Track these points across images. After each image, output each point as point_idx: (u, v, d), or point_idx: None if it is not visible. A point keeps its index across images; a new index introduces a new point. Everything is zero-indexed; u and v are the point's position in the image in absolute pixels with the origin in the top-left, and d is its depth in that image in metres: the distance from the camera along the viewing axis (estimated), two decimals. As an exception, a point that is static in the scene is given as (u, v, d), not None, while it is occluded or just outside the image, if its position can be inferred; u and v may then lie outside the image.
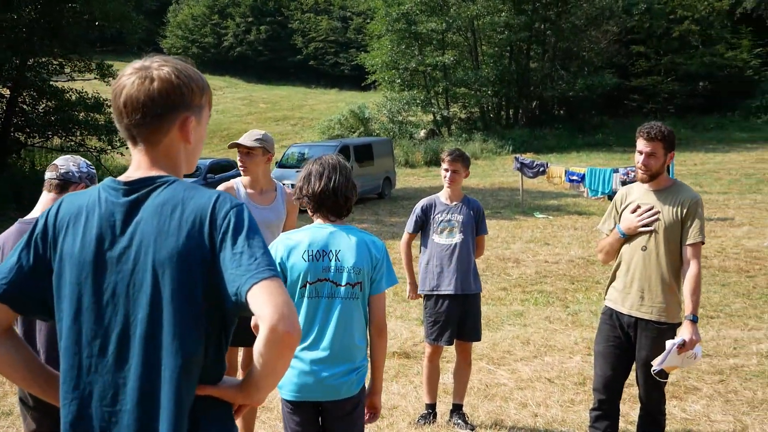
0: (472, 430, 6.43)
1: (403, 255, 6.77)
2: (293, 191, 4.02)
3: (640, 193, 5.06)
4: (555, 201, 24.50)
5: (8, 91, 28.54)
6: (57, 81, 29.50)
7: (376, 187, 26.47)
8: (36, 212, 4.25)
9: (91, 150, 29.45)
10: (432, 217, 6.56)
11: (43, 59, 29.07)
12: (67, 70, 30.03)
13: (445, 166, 6.49)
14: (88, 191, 2.35)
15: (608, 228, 5.17)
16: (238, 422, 5.60)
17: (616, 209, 5.16)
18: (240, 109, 56.85)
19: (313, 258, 3.78)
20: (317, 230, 3.87)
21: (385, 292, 3.90)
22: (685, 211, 4.86)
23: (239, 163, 5.57)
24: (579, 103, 48.98)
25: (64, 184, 4.27)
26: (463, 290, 6.46)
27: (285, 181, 20.84)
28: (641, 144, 4.95)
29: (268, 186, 5.61)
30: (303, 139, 44.52)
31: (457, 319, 6.49)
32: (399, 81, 46.48)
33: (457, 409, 6.63)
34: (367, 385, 4.01)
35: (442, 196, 6.62)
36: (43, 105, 29.43)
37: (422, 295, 6.68)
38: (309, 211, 3.94)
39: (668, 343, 4.77)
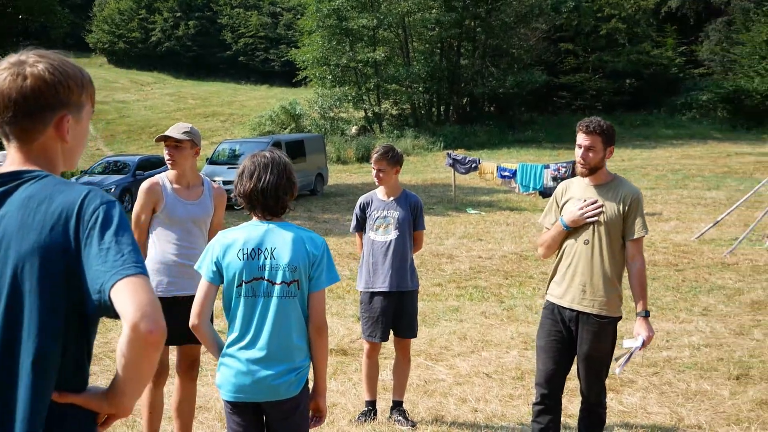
0: (413, 426, 6.40)
1: (360, 253, 6.72)
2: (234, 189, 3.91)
3: (580, 188, 5.07)
4: (487, 197, 24.66)
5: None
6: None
7: (308, 183, 26.30)
8: None
9: None
10: (369, 213, 6.51)
11: (-36, 53, 28.30)
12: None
13: (372, 164, 6.46)
14: None
15: (550, 222, 5.16)
16: (175, 422, 5.52)
17: (556, 203, 5.16)
18: (168, 105, 56.08)
19: (247, 256, 3.70)
20: (252, 228, 3.78)
21: (324, 290, 3.79)
22: (627, 206, 4.89)
23: (167, 157, 5.42)
24: (509, 100, 49.48)
25: None
26: (398, 287, 6.42)
27: (216, 178, 20.63)
28: (580, 138, 4.96)
29: (195, 181, 5.50)
30: (233, 136, 44.07)
31: (391, 315, 6.46)
32: (330, 77, 46.31)
33: (397, 406, 6.59)
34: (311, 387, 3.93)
35: (380, 193, 6.57)
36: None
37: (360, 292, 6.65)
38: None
39: (626, 344, 4.82)
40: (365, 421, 6.49)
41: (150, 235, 5.39)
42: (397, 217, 6.43)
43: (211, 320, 4.97)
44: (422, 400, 7.03)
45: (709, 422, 6.37)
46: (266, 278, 3.70)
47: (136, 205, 5.39)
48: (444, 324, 9.77)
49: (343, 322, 9.89)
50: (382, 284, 6.41)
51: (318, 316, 3.76)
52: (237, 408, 3.80)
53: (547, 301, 5.17)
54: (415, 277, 6.62)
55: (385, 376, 7.42)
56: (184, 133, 5.37)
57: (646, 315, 4.84)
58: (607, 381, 5.20)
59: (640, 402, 6.87)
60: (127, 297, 1.99)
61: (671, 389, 7.22)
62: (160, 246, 5.34)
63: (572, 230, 4.98)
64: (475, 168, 22.69)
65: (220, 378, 3.81)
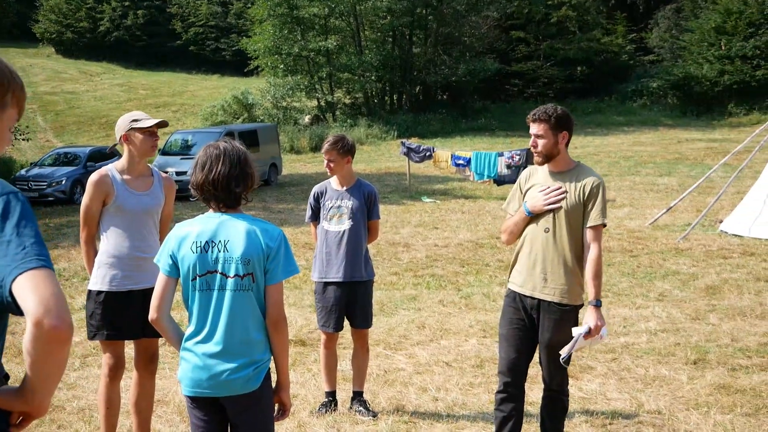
0: (375, 416, 6.35)
1: (316, 243, 6.64)
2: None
3: (544, 175, 5.03)
4: (442, 185, 24.67)
5: None
6: None
7: (262, 173, 26.04)
8: None
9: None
10: (322, 203, 6.44)
11: None
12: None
13: (324, 155, 6.39)
14: None
15: (513, 209, 5.12)
16: (133, 417, 5.41)
17: (520, 189, 5.12)
18: (119, 96, 55.30)
19: (201, 249, 3.63)
20: (206, 220, 3.70)
21: (281, 282, 3.70)
22: (587, 193, 4.86)
23: (151, 145, 5.30)
24: (462, 88, 49.56)
25: None
26: (351, 277, 6.37)
27: (168, 169, 20.40)
28: (530, 127, 4.94)
29: (145, 171, 5.38)
30: (185, 126, 43.57)
31: (344, 305, 6.42)
32: (282, 66, 45.97)
33: (357, 396, 6.53)
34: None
35: (333, 182, 6.50)
36: None
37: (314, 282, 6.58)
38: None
39: (574, 332, 4.78)
40: (326, 412, 6.43)
41: (100, 228, 5.26)
42: (350, 206, 6.37)
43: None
44: (383, 389, 6.98)
45: (669, 407, 6.40)
46: (220, 271, 3.62)
47: (85, 198, 5.23)
48: (402, 313, 9.73)
49: (301, 312, 9.81)
50: (335, 274, 6.36)
51: (275, 309, 3.67)
52: (196, 402, 3.73)
53: (509, 289, 5.13)
54: (370, 267, 6.57)
55: (345, 366, 7.37)
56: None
57: (597, 304, 4.79)
58: (568, 368, 5.18)
59: (600, 388, 6.89)
60: (29, 291, 1.89)
61: (630, 375, 7.25)
62: (112, 239, 5.22)
63: (534, 217, 4.94)
64: (430, 156, 22.67)
65: (180, 372, 3.74)
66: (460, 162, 21.94)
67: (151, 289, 3.86)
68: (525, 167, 5.26)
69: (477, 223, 17.04)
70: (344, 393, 6.74)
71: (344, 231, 6.35)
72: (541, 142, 4.89)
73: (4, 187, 2.07)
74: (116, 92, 56.83)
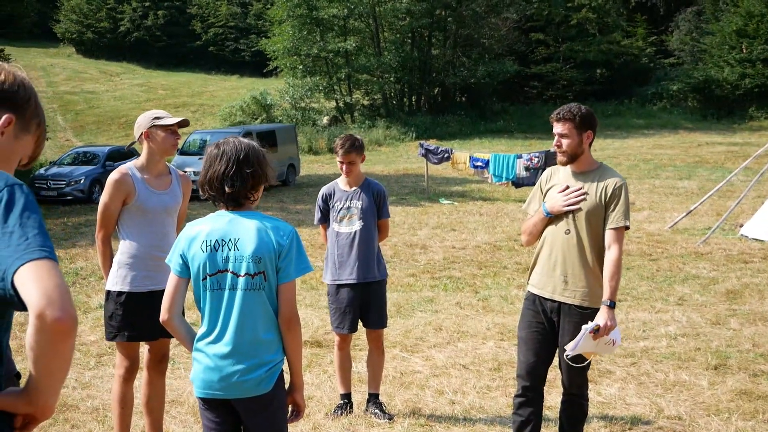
0: (390, 419, 6.29)
1: (326, 245, 6.58)
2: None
3: (565, 175, 4.95)
4: (460, 187, 24.59)
5: None
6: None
7: (280, 174, 26.10)
8: None
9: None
10: (331, 205, 6.38)
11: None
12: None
13: (339, 159, 6.29)
14: None
15: (533, 209, 5.04)
16: (146, 417, 5.37)
17: (540, 189, 5.04)
18: (138, 96, 55.48)
19: (211, 248, 3.57)
20: (217, 219, 3.64)
21: (294, 281, 3.62)
22: (609, 194, 4.77)
23: (173, 143, 5.28)
24: (480, 90, 49.46)
25: None
26: (365, 278, 6.33)
27: (187, 169, 20.40)
28: (554, 127, 4.86)
29: (164, 170, 5.34)
30: (204, 126, 43.66)
31: (358, 306, 6.37)
32: (301, 67, 46.04)
33: (373, 399, 6.48)
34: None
35: (341, 182, 6.43)
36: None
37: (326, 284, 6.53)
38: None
39: (582, 328, 4.69)
40: (341, 414, 6.37)
41: (118, 228, 5.21)
42: (360, 207, 6.32)
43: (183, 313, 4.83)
44: (399, 392, 6.92)
45: (689, 413, 6.31)
46: (230, 270, 3.56)
47: (104, 196, 5.15)
48: (419, 315, 9.68)
49: (317, 313, 9.76)
50: (348, 276, 6.31)
51: (288, 308, 3.60)
52: (208, 404, 3.67)
53: (529, 291, 5.05)
54: (383, 266, 6.52)
55: (361, 368, 7.32)
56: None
57: (611, 305, 4.69)
58: (587, 373, 5.11)
59: (619, 393, 6.81)
60: (31, 283, 1.84)
61: (650, 380, 7.16)
62: (132, 239, 5.16)
63: (554, 218, 4.87)
64: (448, 158, 22.59)
65: (192, 373, 3.70)
66: (479, 164, 21.85)
67: None
68: (543, 170, 5.16)
69: (495, 226, 16.95)
70: (359, 395, 6.69)
71: (355, 232, 6.30)
72: (565, 142, 4.81)
73: (8, 179, 2.04)
74: (136, 92, 57.04)
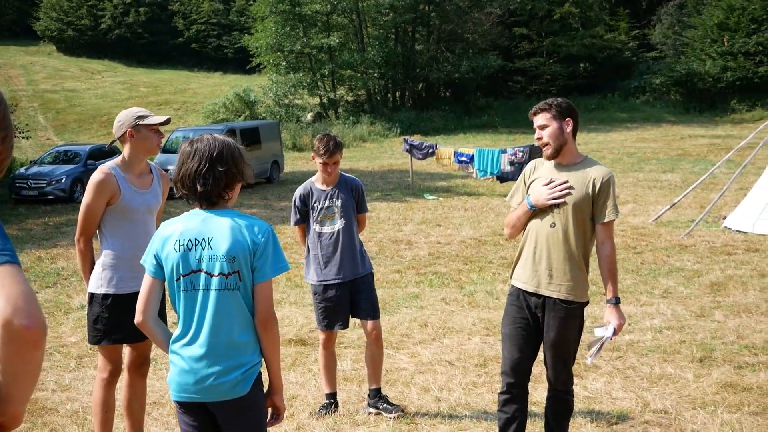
0: (402, 411, 6.24)
1: (303, 246, 6.51)
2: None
3: (550, 167, 4.89)
4: (444, 182, 24.57)
5: None
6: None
7: (264, 171, 26.04)
8: None
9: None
10: (311, 205, 6.30)
11: None
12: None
13: (322, 161, 6.12)
14: None
15: (517, 202, 4.98)
16: (126, 420, 5.30)
17: (524, 182, 4.98)
18: (120, 94, 55.20)
19: (184, 248, 3.48)
20: (190, 218, 3.54)
21: (271, 281, 3.53)
22: (597, 188, 4.71)
23: (157, 142, 5.22)
24: (464, 85, 49.52)
25: None
26: (353, 275, 6.28)
27: (169, 167, 20.26)
28: (534, 122, 4.82)
29: (146, 168, 5.27)
30: (187, 124, 43.52)
31: (348, 303, 6.31)
32: (284, 63, 45.96)
33: (376, 394, 6.38)
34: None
35: (318, 182, 6.33)
36: None
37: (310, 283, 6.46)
38: None
39: (598, 332, 4.68)
40: (326, 413, 6.30)
41: (101, 229, 5.13)
42: (340, 205, 6.25)
43: (165, 315, 4.76)
44: (384, 389, 6.84)
45: (675, 406, 6.30)
46: (204, 270, 3.46)
47: (87, 198, 5.03)
48: (404, 311, 9.63)
49: (302, 311, 9.70)
50: (336, 276, 6.25)
51: (264, 309, 3.50)
52: (185, 407, 3.58)
53: (512, 286, 5.00)
54: (367, 259, 6.46)
55: (345, 366, 7.28)
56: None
57: (617, 302, 4.69)
58: (573, 368, 5.08)
59: (605, 387, 6.78)
60: None
61: (635, 373, 7.15)
62: (116, 240, 5.08)
63: (538, 211, 4.83)
64: (432, 153, 22.57)
65: (169, 376, 3.61)
66: (463, 159, 21.84)
67: None
68: (528, 164, 5.09)
69: (480, 221, 16.93)
70: (344, 394, 6.65)
71: (338, 231, 6.24)
72: (546, 132, 4.76)
73: None
74: (117, 90, 56.77)
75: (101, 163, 5.28)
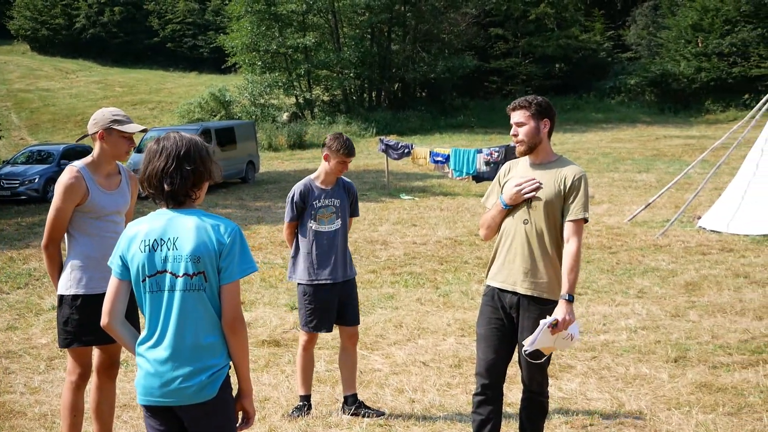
0: (383, 414, 6.22)
1: (290, 244, 6.43)
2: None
3: (524, 167, 4.87)
4: (420, 182, 24.54)
5: None
6: None
7: (239, 171, 25.92)
8: None
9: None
10: (310, 203, 6.23)
11: None
12: None
13: (343, 159, 6.11)
14: None
15: (491, 203, 4.95)
16: (94, 423, 5.21)
17: (499, 183, 4.95)
18: (95, 93, 54.79)
19: (149, 248, 3.40)
20: (156, 218, 3.47)
21: (238, 282, 3.45)
22: (568, 186, 4.70)
23: (127, 149, 5.09)
24: (440, 86, 49.54)
25: None
26: (344, 276, 6.26)
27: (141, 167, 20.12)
28: (511, 117, 4.79)
29: (114, 169, 5.18)
30: (162, 124, 43.28)
31: (336, 305, 6.26)
32: (260, 63, 45.76)
33: (354, 400, 6.34)
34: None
35: (317, 181, 6.29)
36: None
37: (297, 284, 6.38)
38: None
39: (541, 322, 4.61)
40: (299, 416, 6.24)
41: (69, 230, 5.03)
42: (338, 205, 6.26)
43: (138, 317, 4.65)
44: (358, 391, 6.79)
45: (650, 407, 6.28)
46: (169, 271, 3.39)
47: (57, 201, 4.95)
48: (379, 312, 9.58)
49: (276, 312, 9.63)
50: (329, 275, 6.20)
51: (231, 311, 3.42)
52: (151, 411, 3.50)
53: (487, 286, 4.96)
54: (352, 263, 6.48)
55: (319, 367, 7.21)
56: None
57: (569, 299, 4.59)
58: (547, 368, 5.04)
59: (580, 388, 6.76)
60: None
61: (610, 374, 7.13)
62: (85, 241, 5.00)
63: (511, 209, 4.79)
64: (408, 153, 22.53)
65: (135, 379, 3.53)
66: (439, 159, 21.82)
67: None
68: (503, 164, 5.06)
69: (456, 221, 16.91)
70: (317, 395, 6.59)
71: (336, 230, 6.23)
72: (522, 130, 4.73)
73: None
74: (92, 90, 56.34)
75: (68, 163, 5.19)
